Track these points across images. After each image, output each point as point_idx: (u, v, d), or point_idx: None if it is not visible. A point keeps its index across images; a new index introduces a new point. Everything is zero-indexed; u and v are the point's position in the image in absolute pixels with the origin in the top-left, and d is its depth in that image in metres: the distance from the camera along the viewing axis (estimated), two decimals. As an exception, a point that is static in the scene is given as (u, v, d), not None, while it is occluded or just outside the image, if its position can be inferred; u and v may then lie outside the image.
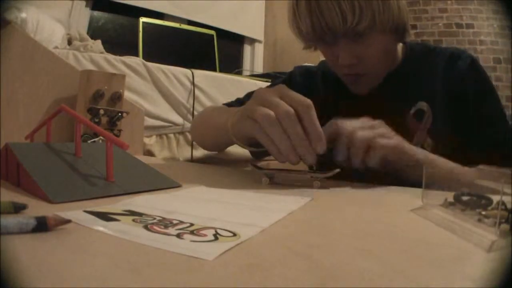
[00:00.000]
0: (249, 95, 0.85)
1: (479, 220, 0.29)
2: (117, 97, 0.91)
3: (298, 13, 0.62)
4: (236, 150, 1.46)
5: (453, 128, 0.65)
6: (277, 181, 0.51)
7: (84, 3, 1.93)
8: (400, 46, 0.73)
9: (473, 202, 0.32)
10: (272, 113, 0.46)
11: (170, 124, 1.31)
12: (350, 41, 0.60)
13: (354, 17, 0.56)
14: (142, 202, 0.35)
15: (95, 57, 1.16)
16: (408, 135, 0.57)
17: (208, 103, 1.40)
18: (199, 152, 1.37)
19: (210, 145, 0.83)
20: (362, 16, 0.56)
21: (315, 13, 0.59)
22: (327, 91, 0.77)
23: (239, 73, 2.21)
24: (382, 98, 0.67)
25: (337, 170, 0.50)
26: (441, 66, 0.68)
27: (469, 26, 3.21)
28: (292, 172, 0.51)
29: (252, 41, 2.72)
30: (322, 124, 0.47)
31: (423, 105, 0.65)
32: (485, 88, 0.67)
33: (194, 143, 1.35)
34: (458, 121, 0.65)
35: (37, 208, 0.31)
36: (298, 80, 0.82)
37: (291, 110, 0.45)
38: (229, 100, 0.90)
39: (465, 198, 0.33)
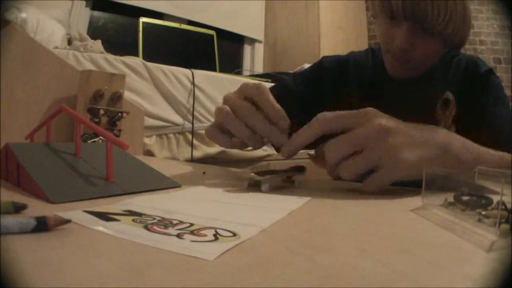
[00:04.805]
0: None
1: (479, 220, 0.29)
2: (117, 97, 0.91)
3: None
4: (237, 150, 1.46)
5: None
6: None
7: (84, 3, 1.93)
8: None
9: (473, 202, 0.32)
10: (226, 107, 0.47)
11: (170, 124, 1.31)
12: (416, 31, 0.63)
13: (444, 19, 0.60)
14: (142, 202, 0.35)
15: (95, 57, 1.16)
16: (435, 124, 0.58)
17: (208, 103, 1.40)
18: (199, 152, 1.37)
19: None
20: (450, 22, 0.61)
21: None
22: (361, 78, 0.79)
23: (239, 73, 2.21)
24: (416, 86, 0.71)
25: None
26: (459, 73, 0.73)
27: (469, 26, 3.20)
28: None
29: (252, 41, 2.72)
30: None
31: (448, 95, 0.70)
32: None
33: (194, 143, 1.35)
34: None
35: (37, 208, 0.31)
36: (329, 66, 0.83)
37: (244, 102, 0.47)
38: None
39: (465, 198, 0.33)
